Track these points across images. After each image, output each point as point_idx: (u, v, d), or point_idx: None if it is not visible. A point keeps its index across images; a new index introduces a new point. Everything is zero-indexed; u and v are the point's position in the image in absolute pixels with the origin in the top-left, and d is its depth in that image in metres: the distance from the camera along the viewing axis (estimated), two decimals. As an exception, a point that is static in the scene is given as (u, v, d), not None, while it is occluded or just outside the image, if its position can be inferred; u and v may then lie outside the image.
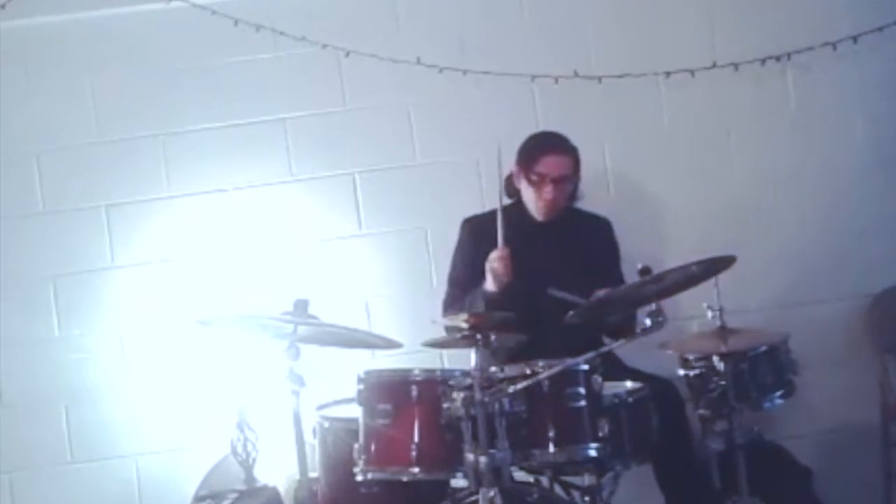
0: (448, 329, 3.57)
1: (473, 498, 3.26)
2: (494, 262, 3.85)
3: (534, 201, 4.08)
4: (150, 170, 4.62)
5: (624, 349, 3.65)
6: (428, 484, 3.39)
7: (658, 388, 3.70)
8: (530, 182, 4.06)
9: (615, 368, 3.79)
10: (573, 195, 4.16)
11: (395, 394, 3.38)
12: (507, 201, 4.07)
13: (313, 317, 3.58)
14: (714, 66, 4.52)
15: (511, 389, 3.26)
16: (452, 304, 4.09)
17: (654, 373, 3.89)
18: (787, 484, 4.07)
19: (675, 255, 4.14)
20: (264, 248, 4.63)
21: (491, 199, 4.19)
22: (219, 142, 4.61)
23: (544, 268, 4.01)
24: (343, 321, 3.78)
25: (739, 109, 4.61)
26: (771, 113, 4.62)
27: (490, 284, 3.90)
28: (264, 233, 4.64)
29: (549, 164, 4.03)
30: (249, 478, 4.20)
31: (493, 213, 3.93)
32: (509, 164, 4.13)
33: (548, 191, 4.03)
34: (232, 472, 4.22)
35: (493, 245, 3.89)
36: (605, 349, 3.42)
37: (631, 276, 3.63)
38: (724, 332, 3.89)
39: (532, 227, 4.11)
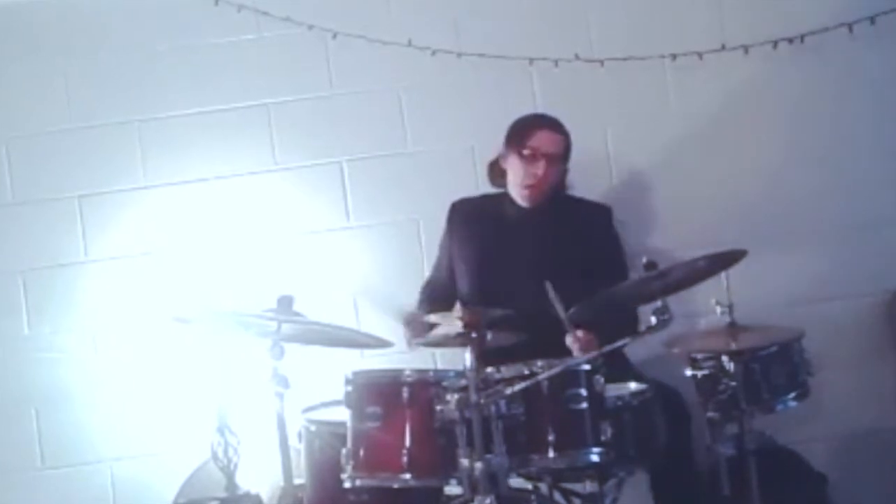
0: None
1: (468, 506, 3.22)
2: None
3: (521, 180, 4.02)
4: (126, 158, 4.57)
5: (628, 349, 3.64)
6: (420, 491, 3.37)
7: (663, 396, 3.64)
8: (521, 157, 4.01)
9: (619, 368, 3.69)
10: (561, 183, 4.09)
11: (385, 396, 3.34)
12: (492, 190, 4.12)
13: (298, 314, 3.54)
14: (723, 48, 4.46)
15: (508, 391, 3.21)
16: (419, 303, 4.14)
17: (661, 380, 3.81)
18: (800, 491, 4.00)
19: (681, 249, 4.12)
20: (246, 242, 4.59)
21: (486, 189, 4.22)
22: (199, 128, 4.56)
23: (534, 261, 3.94)
24: (330, 318, 3.71)
25: (750, 94, 4.53)
26: (783, 98, 4.54)
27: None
28: (247, 225, 4.60)
29: (543, 139, 4.01)
30: (231, 485, 4.13)
31: (480, 198, 4.07)
32: (494, 150, 4.13)
33: (539, 166, 3.99)
34: (212, 479, 4.16)
35: (471, 229, 4.02)
36: (607, 349, 3.36)
37: (635, 270, 3.62)
38: (733, 329, 3.79)
39: (520, 216, 4.06)
